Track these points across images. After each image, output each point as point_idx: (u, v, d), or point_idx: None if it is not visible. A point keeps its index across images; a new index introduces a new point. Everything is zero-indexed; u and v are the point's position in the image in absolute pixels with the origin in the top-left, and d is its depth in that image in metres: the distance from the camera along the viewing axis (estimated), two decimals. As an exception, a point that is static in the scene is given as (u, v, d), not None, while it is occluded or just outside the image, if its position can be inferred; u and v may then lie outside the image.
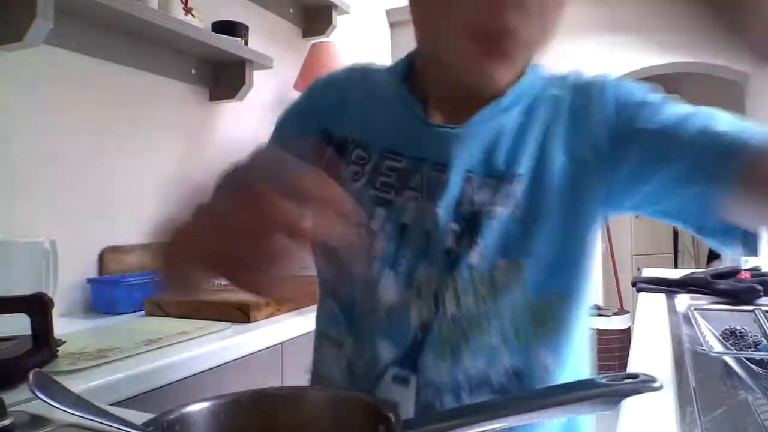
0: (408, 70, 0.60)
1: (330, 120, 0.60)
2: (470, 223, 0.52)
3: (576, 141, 0.53)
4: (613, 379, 0.43)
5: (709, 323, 1.05)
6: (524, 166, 0.53)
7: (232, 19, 1.77)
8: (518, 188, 0.52)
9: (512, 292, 0.51)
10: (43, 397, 0.35)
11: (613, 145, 0.52)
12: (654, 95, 0.54)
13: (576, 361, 0.55)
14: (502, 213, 0.51)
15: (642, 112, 0.52)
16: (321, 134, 0.60)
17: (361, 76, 0.64)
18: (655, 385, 0.43)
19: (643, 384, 0.43)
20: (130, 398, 0.83)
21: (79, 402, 0.37)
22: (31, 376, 0.36)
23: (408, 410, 0.51)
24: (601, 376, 0.43)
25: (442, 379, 0.51)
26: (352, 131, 0.58)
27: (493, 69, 0.50)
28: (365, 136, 0.57)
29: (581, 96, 0.55)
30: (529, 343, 0.51)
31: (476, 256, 0.51)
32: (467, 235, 0.51)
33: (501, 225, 0.51)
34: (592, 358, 2.92)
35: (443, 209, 0.52)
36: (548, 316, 0.52)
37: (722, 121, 0.48)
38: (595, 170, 0.52)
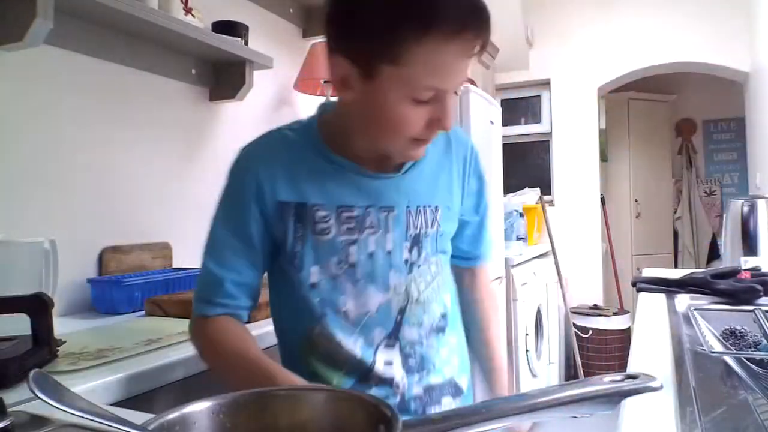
0: (319, 133, 0.79)
1: (280, 192, 0.76)
2: (415, 240, 0.80)
3: (461, 186, 0.87)
4: (614, 379, 0.43)
5: (709, 323, 1.05)
6: (438, 199, 0.83)
7: (232, 19, 1.77)
8: (437, 215, 0.82)
9: (440, 274, 0.84)
10: (43, 397, 0.35)
11: (462, 196, 0.88)
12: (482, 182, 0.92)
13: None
14: (431, 231, 0.81)
15: (480, 195, 0.92)
16: (277, 206, 0.76)
17: (279, 144, 0.81)
18: (655, 385, 0.43)
19: (643, 384, 0.43)
20: (130, 398, 0.83)
21: (79, 402, 0.37)
22: (31, 376, 0.36)
23: (397, 361, 0.79)
24: (601, 376, 0.44)
25: (413, 337, 0.80)
26: (310, 195, 0.76)
27: (418, 154, 0.76)
28: (322, 198, 0.76)
29: (463, 153, 0.88)
30: (449, 298, 0.88)
31: (422, 260, 0.81)
32: (415, 249, 0.80)
33: (431, 238, 0.81)
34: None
35: (397, 235, 0.78)
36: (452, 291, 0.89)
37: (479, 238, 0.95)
38: (458, 204, 0.88)
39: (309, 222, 0.75)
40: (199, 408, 0.43)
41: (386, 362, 0.78)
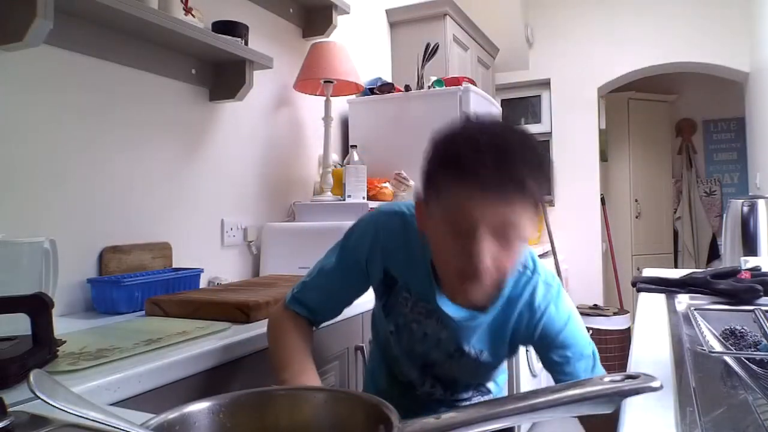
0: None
1: (386, 260, 0.94)
2: (461, 352, 0.94)
3: (515, 343, 0.95)
4: (614, 379, 0.43)
5: (709, 323, 1.05)
6: (490, 350, 0.94)
7: (232, 19, 1.77)
8: (482, 357, 0.94)
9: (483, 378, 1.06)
10: (43, 396, 0.35)
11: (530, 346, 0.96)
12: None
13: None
14: (471, 360, 0.95)
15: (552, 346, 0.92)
16: (383, 269, 0.94)
17: (400, 225, 0.94)
18: (655, 385, 0.43)
19: (643, 384, 0.43)
20: (130, 398, 0.83)
21: (79, 402, 0.37)
22: (31, 376, 0.36)
23: (438, 385, 1.03)
24: (601, 376, 0.44)
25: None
26: (401, 276, 0.94)
27: (474, 298, 0.84)
28: (409, 285, 0.94)
29: (524, 318, 0.91)
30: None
31: (463, 362, 0.96)
32: (458, 354, 0.95)
33: (472, 360, 0.95)
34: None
35: (449, 339, 0.94)
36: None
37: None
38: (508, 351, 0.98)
39: (394, 294, 0.95)
40: (199, 408, 0.43)
41: (431, 384, 1.03)
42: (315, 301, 0.99)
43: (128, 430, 0.36)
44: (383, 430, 0.39)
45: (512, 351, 0.96)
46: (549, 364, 0.91)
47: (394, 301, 0.96)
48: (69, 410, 0.36)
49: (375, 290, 1.00)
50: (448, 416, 0.40)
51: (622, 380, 0.43)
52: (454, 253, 0.77)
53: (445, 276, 0.84)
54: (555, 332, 0.89)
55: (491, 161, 0.72)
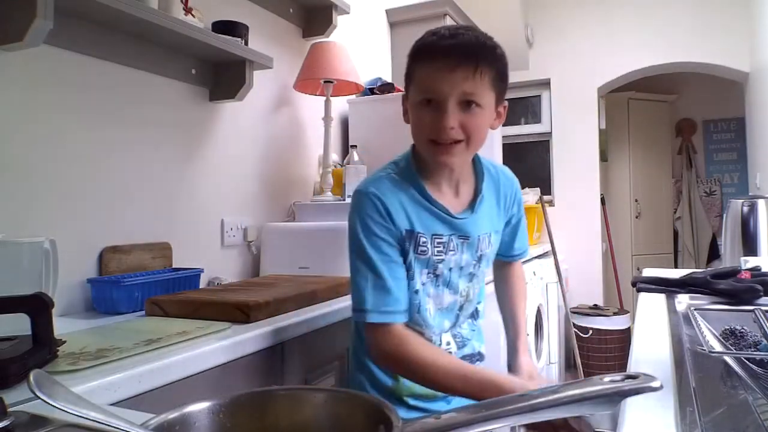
0: (414, 167, 1.03)
1: (401, 221, 0.98)
2: (480, 258, 1.07)
3: (505, 214, 1.13)
4: (614, 379, 0.43)
5: (709, 323, 1.05)
6: (493, 226, 1.08)
7: (232, 19, 1.77)
8: (491, 238, 1.08)
9: (482, 284, 1.14)
10: (43, 396, 0.35)
11: (508, 221, 1.15)
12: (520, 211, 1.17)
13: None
14: (489, 250, 1.09)
15: (519, 217, 1.17)
16: (403, 232, 0.98)
17: (392, 185, 1.00)
18: (655, 385, 0.43)
19: (643, 384, 0.43)
20: (130, 398, 0.83)
21: (79, 402, 0.37)
22: (31, 376, 0.36)
23: (451, 341, 1.09)
24: (601, 376, 0.44)
25: (462, 324, 1.11)
26: (416, 226, 0.99)
27: (449, 160, 0.97)
28: (423, 228, 1.00)
29: (508, 189, 1.12)
30: (480, 291, 1.15)
31: (479, 271, 1.09)
32: (478, 264, 1.08)
33: (488, 255, 1.10)
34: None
35: (469, 256, 1.05)
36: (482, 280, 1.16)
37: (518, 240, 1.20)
38: (503, 228, 1.14)
39: (416, 245, 0.99)
40: (199, 408, 0.43)
41: (446, 342, 1.07)
42: (396, 298, 0.95)
43: (128, 430, 0.36)
44: (383, 430, 0.39)
45: (501, 222, 1.12)
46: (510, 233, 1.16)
47: (414, 257, 0.99)
48: (69, 410, 0.36)
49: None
50: (448, 416, 0.40)
51: (622, 380, 0.43)
52: (428, 122, 0.93)
53: (425, 152, 0.98)
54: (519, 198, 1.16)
55: (449, 37, 0.92)
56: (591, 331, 3.48)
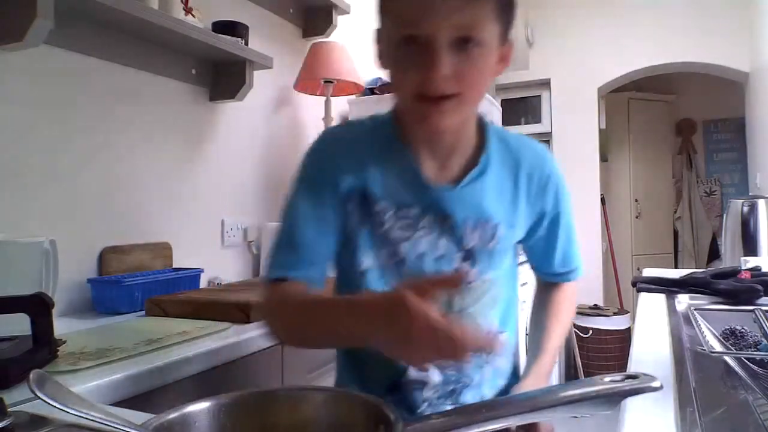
0: (393, 125, 0.80)
1: (349, 177, 0.77)
2: (468, 253, 0.78)
3: (530, 205, 0.82)
4: (614, 379, 0.43)
5: (709, 323, 1.05)
6: (499, 216, 0.79)
7: (232, 19, 1.77)
8: (497, 231, 0.79)
9: (490, 292, 0.82)
10: (43, 397, 0.35)
11: (536, 212, 0.84)
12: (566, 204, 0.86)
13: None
14: (488, 246, 0.79)
15: (558, 214, 0.85)
16: (349, 190, 0.77)
17: (357, 134, 0.81)
18: (655, 385, 0.43)
19: (643, 384, 0.43)
20: (130, 398, 0.83)
21: (78, 402, 0.37)
22: (31, 376, 0.36)
23: (433, 368, 0.79)
24: (601, 376, 0.44)
25: None
26: (373, 187, 0.77)
27: (438, 121, 0.70)
28: (383, 192, 0.77)
29: (535, 169, 0.82)
30: (504, 316, 0.85)
31: (472, 275, 0.79)
32: (467, 261, 0.79)
33: (486, 254, 0.79)
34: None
35: (449, 243, 0.78)
36: (507, 310, 0.87)
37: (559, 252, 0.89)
38: (526, 221, 0.83)
39: (369, 212, 0.77)
40: (199, 408, 0.43)
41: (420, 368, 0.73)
42: (307, 252, 0.77)
43: (128, 430, 0.36)
44: (383, 430, 0.39)
45: (521, 215, 0.82)
46: (548, 236, 0.86)
47: (367, 228, 0.78)
48: (69, 410, 0.36)
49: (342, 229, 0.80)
50: (448, 416, 0.40)
51: (622, 380, 0.43)
52: (412, 69, 0.67)
53: (407, 108, 0.74)
54: (563, 188, 0.85)
55: None
56: (591, 331, 3.48)
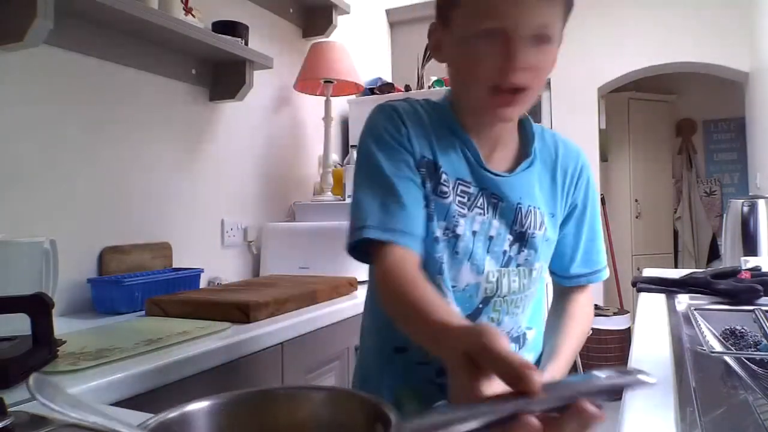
0: (450, 111, 0.82)
1: (422, 147, 0.79)
2: (519, 237, 0.80)
3: (565, 197, 0.86)
4: (609, 375, 0.43)
5: (709, 323, 1.05)
6: (545, 205, 0.83)
7: (232, 19, 1.77)
8: (545, 218, 0.82)
9: (534, 287, 0.84)
10: (42, 400, 0.35)
11: (566, 207, 0.87)
12: (594, 203, 0.91)
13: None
14: (539, 233, 0.81)
15: (585, 210, 0.89)
16: (420, 156, 0.78)
17: (419, 109, 0.82)
18: (650, 380, 0.43)
19: (638, 380, 0.43)
20: (130, 398, 0.83)
21: (78, 405, 0.37)
22: (30, 380, 0.36)
23: None
24: (596, 371, 0.44)
25: None
26: (439, 159, 0.78)
27: (509, 113, 0.75)
28: (447, 166, 0.79)
29: (570, 163, 0.87)
30: (534, 313, 0.87)
31: (522, 260, 0.81)
32: (516, 245, 0.81)
33: (538, 240, 0.81)
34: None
35: (502, 225, 0.80)
36: (537, 305, 0.89)
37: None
38: (561, 218, 0.87)
39: (436, 181, 0.77)
40: (199, 407, 0.43)
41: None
42: (410, 219, 0.73)
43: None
44: (381, 429, 0.39)
45: (560, 207, 0.85)
46: (575, 235, 0.88)
47: (433, 198, 0.77)
48: (68, 415, 0.36)
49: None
50: (445, 412, 0.40)
51: (617, 376, 0.43)
52: (488, 61, 0.69)
53: (478, 99, 0.74)
54: (592, 184, 0.89)
55: None
56: (591, 331, 3.48)
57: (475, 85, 0.73)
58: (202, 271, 1.57)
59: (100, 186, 1.44)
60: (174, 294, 1.37)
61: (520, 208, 0.79)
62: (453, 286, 0.78)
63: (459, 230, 0.77)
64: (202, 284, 1.64)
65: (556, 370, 0.78)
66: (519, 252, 0.80)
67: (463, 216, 0.77)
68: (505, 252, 0.80)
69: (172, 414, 0.41)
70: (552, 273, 0.93)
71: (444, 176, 0.77)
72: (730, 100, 4.67)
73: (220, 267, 1.83)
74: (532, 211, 0.80)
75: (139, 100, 1.56)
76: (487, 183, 0.79)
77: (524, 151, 0.83)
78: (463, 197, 0.78)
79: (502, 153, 0.82)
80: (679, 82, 4.90)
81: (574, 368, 3.14)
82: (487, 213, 0.79)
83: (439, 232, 0.77)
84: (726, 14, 3.56)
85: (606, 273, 0.94)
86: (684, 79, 4.79)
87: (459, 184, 0.78)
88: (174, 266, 1.61)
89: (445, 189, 0.77)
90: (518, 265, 0.81)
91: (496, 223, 0.79)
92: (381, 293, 0.71)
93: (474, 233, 0.78)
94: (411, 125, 0.79)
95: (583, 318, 0.88)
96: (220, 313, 1.19)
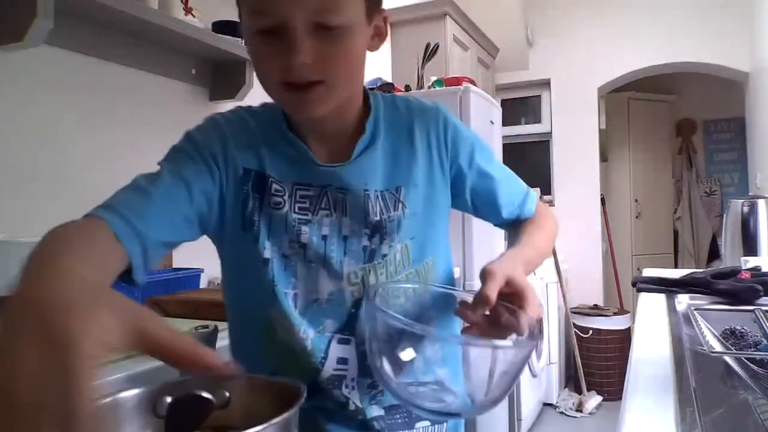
0: (281, 113, 0.75)
1: (244, 156, 0.73)
2: (377, 227, 0.74)
3: (440, 162, 0.79)
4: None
5: (709, 323, 1.05)
6: (400, 179, 0.76)
7: (232, 19, 1.77)
8: (401, 195, 0.75)
9: (404, 265, 0.77)
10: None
11: (449, 168, 0.80)
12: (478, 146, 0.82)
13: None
14: (395, 214, 0.75)
15: (472, 159, 0.81)
16: (240, 172, 0.72)
17: (247, 118, 0.76)
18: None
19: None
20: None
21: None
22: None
23: (353, 359, 0.73)
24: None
25: None
26: (268, 169, 0.73)
27: (309, 109, 0.67)
28: (277, 174, 0.73)
29: (430, 125, 0.79)
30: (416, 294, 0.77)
31: (386, 248, 0.74)
32: (377, 235, 0.74)
33: (396, 223, 0.74)
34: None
35: (354, 221, 0.73)
36: (425, 277, 0.79)
37: (504, 196, 0.83)
38: (440, 180, 0.79)
39: (266, 193, 0.72)
40: (130, 394, 0.46)
41: (340, 359, 0.72)
42: (137, 206, 0.68)
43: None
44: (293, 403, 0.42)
45: (424, 173, 0.78)
46: (473, 190, 0.81)
47: (265, 211, 0.72)
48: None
49: (233, 213, 0.73)
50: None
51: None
52: (273, 58, 0.64)
53: (277, 99, 0.70)
54: (468, 137, 0.81)
55: None
56: (591, 331, 3.48)
57: (268, 86, 0.68)
58: (202, 271, 1.57)
59: (100, 185, 1.44)
60: (174, 294, 1.38)
61: (368, 194, 0.73)
62: (315, 299, 0.72)
63: (303, 239, 0.72)
64: (202, 284, 1.64)
65: (517, 252, 0.73)
66: (382, 242, 0.74)
67: (306, 223, 0.72)
68: (365, 247, 0.73)
69: (106, 400, 0.43)
70: (496, 225, 0.88)
71: (275, 186, 0.72)
72: (730, 100, 4.68)
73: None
74: (382, 195, 0.74)
75: (139, 100, 1.56)
76: (328, 178, 0.73)
77: (362, 126, 0.75)
78: (304, 202, 0.73)
79: (343, 143, 0.74)
80: (679, 82, 4.91)
81: (574, 368, 3.12)
82: (335, 212, 0.73)
83: (268, 252, 0.71)
84: (726, 14, 3.56)
85: (532, 193, 0.87)
86: (684, 79, 4.79)
87: (297, 189, 0.73)
88: (174, 266, 1.61)
89: (278, 199, 0.72)
90: (384, 256, 0.74)
91: (347, 220, 0.73)
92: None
93: (324, 237, 0.72)
94: (233, 136, 0.73)
95: (545, 223, 0.85)
96: (220, 313, 1.19)
